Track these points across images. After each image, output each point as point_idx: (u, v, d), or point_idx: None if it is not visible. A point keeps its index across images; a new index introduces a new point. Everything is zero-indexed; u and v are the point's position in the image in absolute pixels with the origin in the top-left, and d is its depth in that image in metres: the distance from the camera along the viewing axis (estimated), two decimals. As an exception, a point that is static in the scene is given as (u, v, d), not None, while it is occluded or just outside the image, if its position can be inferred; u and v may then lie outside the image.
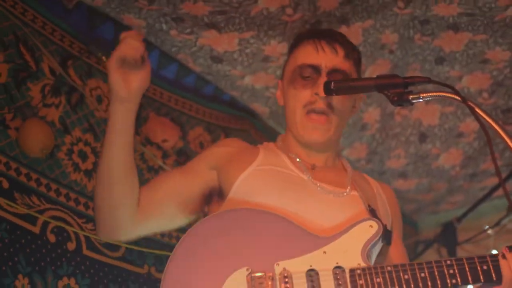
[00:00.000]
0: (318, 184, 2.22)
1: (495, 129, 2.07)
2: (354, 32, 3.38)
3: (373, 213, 2.20)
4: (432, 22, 3.34)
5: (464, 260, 1.97)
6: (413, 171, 4.51)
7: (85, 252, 2.90)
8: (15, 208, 2.67)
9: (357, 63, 2.43)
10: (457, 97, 2.09)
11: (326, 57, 2.31)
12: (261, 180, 2.20)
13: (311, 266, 1.97)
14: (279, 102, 2.49)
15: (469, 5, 3.19)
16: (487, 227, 4.52)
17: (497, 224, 4.19)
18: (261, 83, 3.70)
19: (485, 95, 3.81)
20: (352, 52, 2.40)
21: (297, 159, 2.31)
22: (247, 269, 1.94)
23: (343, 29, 3.32)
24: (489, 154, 4.25)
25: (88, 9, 3.25)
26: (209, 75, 3.65)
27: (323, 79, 2.27)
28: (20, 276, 2.62)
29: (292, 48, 2.44)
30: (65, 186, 2.93)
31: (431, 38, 3.46)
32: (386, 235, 2.13)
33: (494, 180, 4.44)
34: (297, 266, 1.97)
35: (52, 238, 2.79)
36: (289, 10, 3.20)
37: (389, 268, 1.96)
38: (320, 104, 2.27)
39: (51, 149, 2.88)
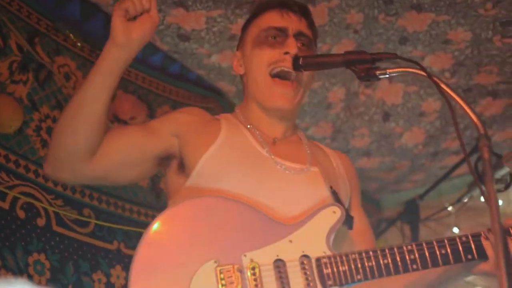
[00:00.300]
0: (278, 162, 2.19)
1: (459, 104, 2.11)
2: (320, 11, 3.43)
3: (335, 195, 2.20)
4: (396, 2, 3.40)
5: (424, 245, 2.02)
6: (377, 150, 4.59)
7: (55, 228, 2.92)
8: (-16, 184, 2.69)
9: (316, 37, 2.45)
10: (422, 73, 2.12)
11: (292, 21, 2.32)
12: (224, 163, 2.14)
13: (278, 256, 1.97)
14: (238, 71, 2.42)
15: (432, -14, 3.26)
16: (448, 205, 4.64)
17: (458, 201, 4.30)
18: (227, 62, 3.72)
19: (447, 74, 3.89)
20: (313, 25, 2.42)
21: (257, 133, 2.26)
22: (215, 262, 1.91)
23: (310, 9, 3.36)
24: (450, 133, 4.36)
25: (54, -14, 3.24)
26: (176, 53, 3.66)
27: (291, 40, 2.26)
28: (-10, 252, 2.64)
29: (253, 18, 2.41)
30: (34, 162, 2.94)
31: (395, 18, 3.52)
32: (347, 220, 2.13)
33: (455, 159, 4.55)
34: (264, 256, 1.96)
35: (21, 214, 2.80)
36: (256, -11, 3.24)
37: (353, 256, 1.99)
38: (289, 64, 2.23)
39: (20, 125, 2.88)
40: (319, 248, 2.01)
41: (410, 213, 4.38)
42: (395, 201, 5.22)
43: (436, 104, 4.13)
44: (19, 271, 2.71)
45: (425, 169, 4.85)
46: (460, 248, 2.04)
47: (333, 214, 2.07)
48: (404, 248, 2.01)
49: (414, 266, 2.00)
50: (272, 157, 2.20)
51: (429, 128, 4.37)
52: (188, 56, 3.69)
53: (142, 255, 1.90)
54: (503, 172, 3.58)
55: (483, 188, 1.96)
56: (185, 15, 3.35)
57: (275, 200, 2.10)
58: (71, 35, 3.28)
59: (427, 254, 2.01)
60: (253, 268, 1.93)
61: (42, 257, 2.82)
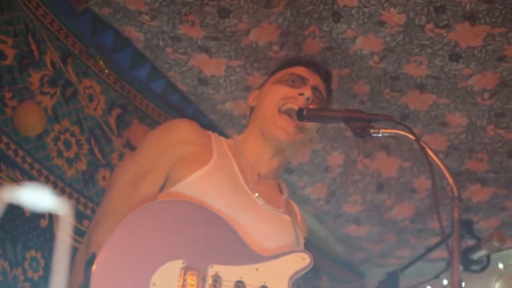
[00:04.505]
0: (259, 196, 2.38)
1: (441, 169, 2.32)
2: (331, 77, 3.70)
3: (306, 246, 2.43)
4: (401, 79, 3.67)
5: None
6: (367, 219, 4.78)
7: (55, 231, 3.12)
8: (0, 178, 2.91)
9: (330, 102, 2.73)
10: (411, 136, 2.36)
11: (313, 78, 2.58)
12: (211, 184, 2.28)
13: (241, 277, 2.13)
14: (251, 103, 2.65)
15: (436, 69, 3.52)
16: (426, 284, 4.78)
17: (436, 277, 4.44)
18: (239, 111, 3.98)
19: (440, 156, 4.12)
20: (331, 92, 2.71)
21: (244, 165, 2.43)
22: (183, 262, 2.05)
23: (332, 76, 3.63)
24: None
25: (93, 16, 3.53)
26: (193, 95, 3.93)
27: (308, 87, 2.51)
28: (-9, 239, 2.84)
29: (284, 66, 2.67)
30: (47, 168, 3.16)
31: (399, 95, 3.78)
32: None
33: (439, 239, 4.71)
34: (229, 274, 2.11)
35: (27, 212, 3.00)
36: (275, 47, 3.51)
37: None
38: (301, 104, 2.45)
39: (41, 132, 3.12)
40: (280, 284, 2.20)
41: (390, 285, 4.51)
42: (379, 275, 5.34)
43: (427, 182, 4.35)
44: (16, 263, 2.90)
45: (411, 245, 5.02)
46: None
47: (302, 260, 2.25)
48: None
49: None
50: (254, 191, 2.39)
51: (419, 205, 4.58)
52: (203, 100, 3.95)
53: (110, 248, 2.01)
54: (480, 254, 3.78)
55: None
56: (207, 61, 3.63)
57: (251, 228, 2.27)
58: (101, 61, 3.55)
59: None
60: (215, 281, 2.08)
61: (39, 255, 3.01)
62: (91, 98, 3.49)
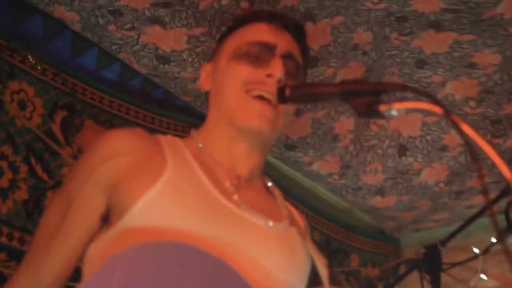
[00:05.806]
0: (250, 210, 1.74)
1: (486, 152, 1.66)
2: (321, 30, 2.96)
3: (332, 277, 1.77)
4: (410, 19, 2.91)
5: None
6: (392, 187, 4.06)
7: (-5, 288, 2.43)
8: None
9: (307, 67, 2.07)
10: (437, 109, 1.67)
11: (282, 38, 1.92)
12: (172, 206, 1.63)
13: None
14: (204, 87, 2.02)
15: (453, 0, 2.76)
16: (476, 250, 4.15)
17: (486, 251, 3.77)
18: (216, 88, 3.24)
19: (472, 103, 3.38)
20: (307, 51, 2.03)
21: (217, 168, 1.81)
22: None
23: (309, 27, 2.89)
24: (476, 170, 3.83)
25: (12, 0, 2.79)
26: (156, 77, 3.19)
27: (277, 60, 1.85)
28: None
29: (235, 28, 2.00)
30: (-27, 208, 2.46)
31: (410, 38, 3.03)
32: None
33: (482, 198, 4.03)
34: None
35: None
36: (244, 4, 2.76)
37: None
38: (272, 88, 1.82)
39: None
40: None
41: (431, 259, 3.84)
42: (416, 240, 4.72)
43: (460, 137, 3.60)
44: None
45: (449, 208, 4.32)
46: None
47: None
48: None
49: None
50: (239, 204, 1.75)
51: (453, 164, 3.83)
52: (170, 81, 3.21)
53: None
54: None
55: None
56: (162, 34, 2.88)
57: (248, 259, 1.63)
58: (29, 56, 2.81)
59: None
60: None
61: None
62: (22, 105, 2.74)
